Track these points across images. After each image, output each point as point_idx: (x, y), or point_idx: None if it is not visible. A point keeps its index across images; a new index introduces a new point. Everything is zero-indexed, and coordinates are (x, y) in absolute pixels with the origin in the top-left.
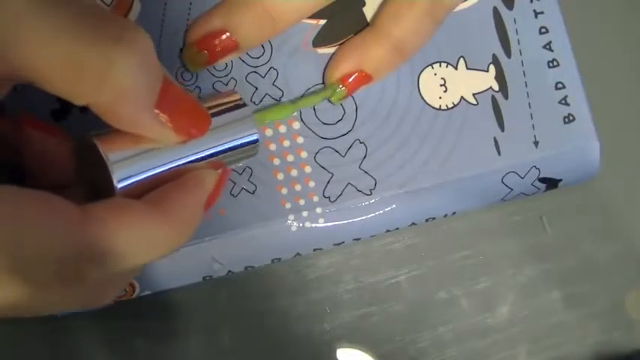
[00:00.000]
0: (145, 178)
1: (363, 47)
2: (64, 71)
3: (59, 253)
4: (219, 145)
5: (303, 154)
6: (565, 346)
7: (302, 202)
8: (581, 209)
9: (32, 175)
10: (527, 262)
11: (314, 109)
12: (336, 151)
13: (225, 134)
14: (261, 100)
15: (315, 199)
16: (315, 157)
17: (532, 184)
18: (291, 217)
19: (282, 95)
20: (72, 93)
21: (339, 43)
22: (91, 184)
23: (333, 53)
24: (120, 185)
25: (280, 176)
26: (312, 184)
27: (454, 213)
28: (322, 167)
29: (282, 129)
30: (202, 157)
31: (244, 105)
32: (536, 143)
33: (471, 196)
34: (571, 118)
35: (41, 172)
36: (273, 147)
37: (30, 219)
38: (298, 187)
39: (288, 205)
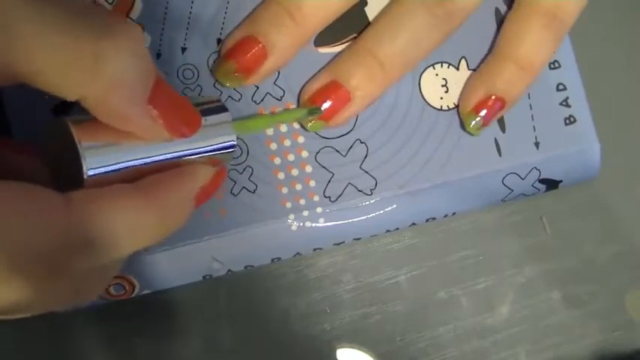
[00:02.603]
0: (116, 170)
1: (491, 73)
2: (53, 65)
3: (44, 244)
4: (196, 146)
5: (304, 154)
6: (565, 346)
7: (302, 201)
8: (581, 209)
9: None
10: (527, 262)
11: None
12: (337, 151)
13: (204, 135)
14: (262, 99)
15: (316, 198)
16: (315, 156)
17: (532, 185)
18: (292, 216)
19: (284, 95)
20: (62, 87)
21: (341, 42)
22: (60, 172)
23: (465, 85)
24: (90, 173)
25: (281, 175)
26: (312, 183)
27: (454, 213)
28: (323, 167)
29: (283, 128)
30: (177, 156)
31: (226, 110)
32: (537, 144)
33: (471, 196)
34: (572, 119)
35: None
36: (274, 146)
37: (12, 210)
38: (299, 187)
39: (288, 205)
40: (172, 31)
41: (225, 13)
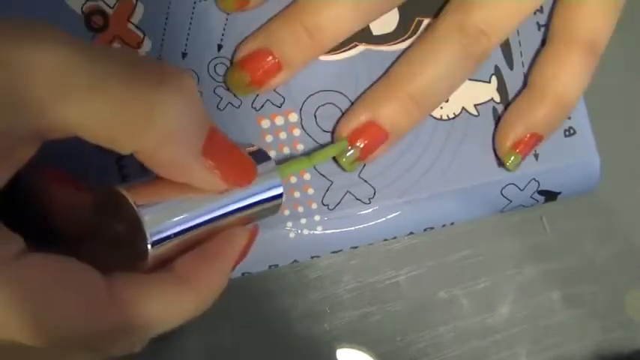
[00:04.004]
0: (176, 235)
1: (529, 110)
2: (107, 120)
3: (83, 332)
4: (247, 198)
5: None
6: (565, 346)
7: (300, 209)
8: (581, 209)
9: (57, 227)
10: (527, 262)
11: (315, 115)
12: (336, 159)
13: (254, 185)
14: (262, 106)
15: (314, 206)
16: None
17: (531, 197)
18: (289, 224)
19: (284, 102)
20: (116, 141)
21: (342, 50)
22: (112, 240)
23: (501, 121)
24: (153, 239)
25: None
26: (311, 191)
27: (452, 223)
28: (321, 175)
29: (283, 135)
30: (232, 210)
31: (269, 157)
32: (536, 156)
33: (469, 207)
34: (572, 131)
35: (65, 225)
36: (272, 153)
37: (57, 295)
38: (297, 194)
39: (286, 212)
40: (173, 36)
41: (227, 19)
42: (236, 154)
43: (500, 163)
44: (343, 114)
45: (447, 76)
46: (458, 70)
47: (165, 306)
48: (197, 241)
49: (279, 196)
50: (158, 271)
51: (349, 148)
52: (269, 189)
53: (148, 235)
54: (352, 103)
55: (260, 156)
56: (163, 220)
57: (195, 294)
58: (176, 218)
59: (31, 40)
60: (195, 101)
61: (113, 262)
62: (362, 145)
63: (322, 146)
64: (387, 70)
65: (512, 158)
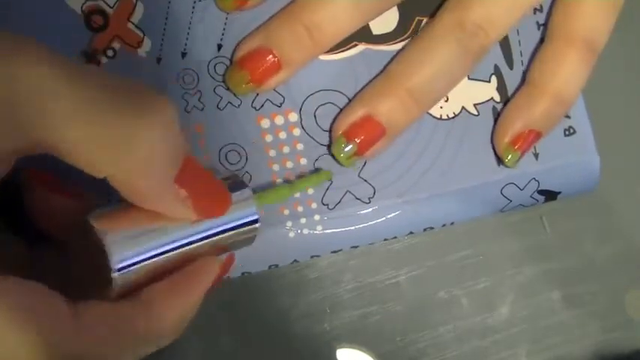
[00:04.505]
0: (143, 263)
1: (528, 106)
2: (84, 143)
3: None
4: (221, 226)
5: (303, 161)
6: (565, 346)
7: (300, 208)
8: (581, 209)
9: (35, 228)
10: (527, 262)
11: (315, 115)
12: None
13: (228, 214)
14: (261, 106)
15: (314, 206)
16: (314, 163)
17: (531, 196)
18: (289, 223)
19: (283, 101)
20: (92, 166)
21: (342, 50)
22: (90, 262)
23: (500, 117)
24: (118, 266)
25: (279, 182)
26: (310, 191)
27: (452, 223)
28: None
29: (282, 135)
30: (202, 238)
31: (245, 185)
32: (536, 155)
33: (469, 206)
34: (572, 130)
35: (51, 228)
36: (272, 153)
37: (20, 322)
38: (297, 194)
39: (286, 212)
40: (173, 36)
41: (227, 18)
42: (210, 183)
43: (500, 162)
44: (341, 111)
45: (445, 74)
46: (456, 67)
47: (130, 337)
48: (168, 269)
49: (254, 222)
50: (127, 298)
51: (347, 142)
52: (242, 218)
53: (112, 264)
54: None
55: (236, 184)
56: (130, 249)
57: (161, 324)
58: (144, 247)
59: (24, 59)
60: (173, 130)
61: (92, 278)
62: (359, 140)
63: (303, 175)
64: (385, 68)
65: (510, 155)
